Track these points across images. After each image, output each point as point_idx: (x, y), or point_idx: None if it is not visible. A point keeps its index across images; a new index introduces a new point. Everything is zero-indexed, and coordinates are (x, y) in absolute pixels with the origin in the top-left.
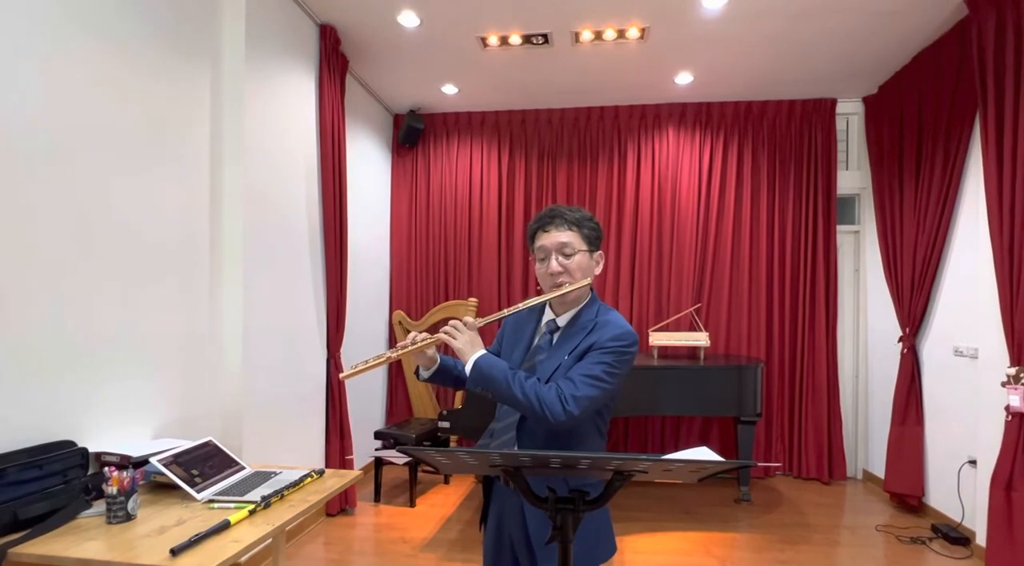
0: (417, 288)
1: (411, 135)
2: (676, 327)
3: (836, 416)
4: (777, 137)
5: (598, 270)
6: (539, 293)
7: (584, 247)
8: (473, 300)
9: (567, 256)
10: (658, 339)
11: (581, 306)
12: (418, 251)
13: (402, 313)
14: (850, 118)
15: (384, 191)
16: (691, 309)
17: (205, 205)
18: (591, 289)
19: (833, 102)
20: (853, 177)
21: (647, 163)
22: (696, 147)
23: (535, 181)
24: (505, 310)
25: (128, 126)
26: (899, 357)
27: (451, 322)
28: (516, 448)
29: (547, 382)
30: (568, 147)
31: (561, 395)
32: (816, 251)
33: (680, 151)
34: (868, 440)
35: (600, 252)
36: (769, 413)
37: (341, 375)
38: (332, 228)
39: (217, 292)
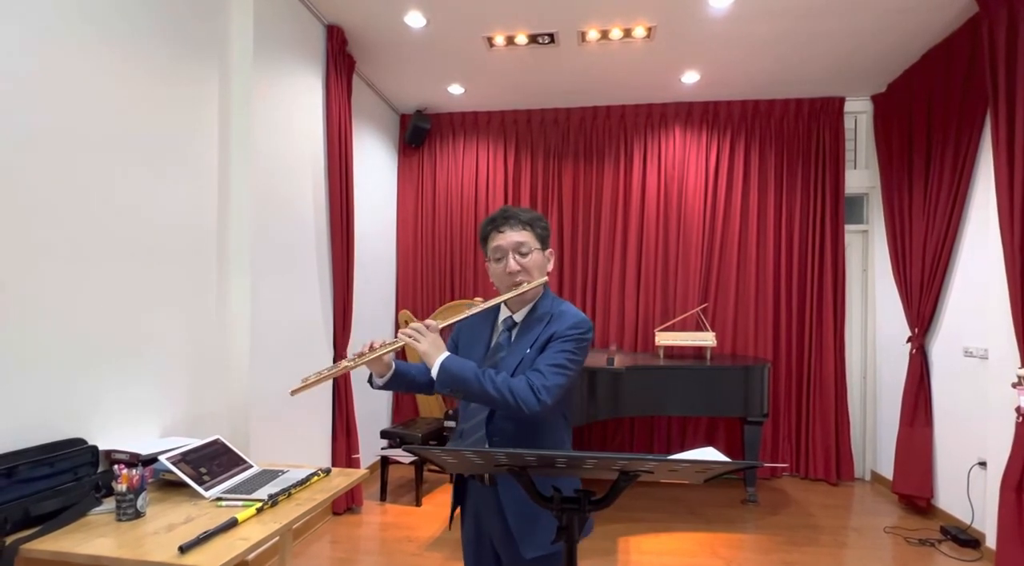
0: (423, 287)
1: (417, 135)
2: (682, 327)
3: (844, 417)
4: (785, 136)
5: (550, 267)
6: (496, 293)
7: (538, 246)
8: (479, 300)
9: (523, 255)
10: (664, 339)
11: (536, 300)
12: (424, 250)
13: (408, 312)
14: (858, 117)
15: (390, 191)
16: (697, 309)
17: (213, 204)
18: (544, 284)
19: (841, 101)
20: (861, 176)
21: (653, 163)
22: (703, 146)
23: (541, 181)
24: (466, 311)
25: (137, 127)
26: (908, 358)
27: (411, 325)
28: (487, 444)
29: (512, 376)
30: (574, 147)
31: (533, 386)
32: (824, 251)
33: (687, 150)
34: (876, 441)
35: (551, 250)
36: (776, 413)
37: (291, 390)
38: (339, 227)
39: (225, 291)
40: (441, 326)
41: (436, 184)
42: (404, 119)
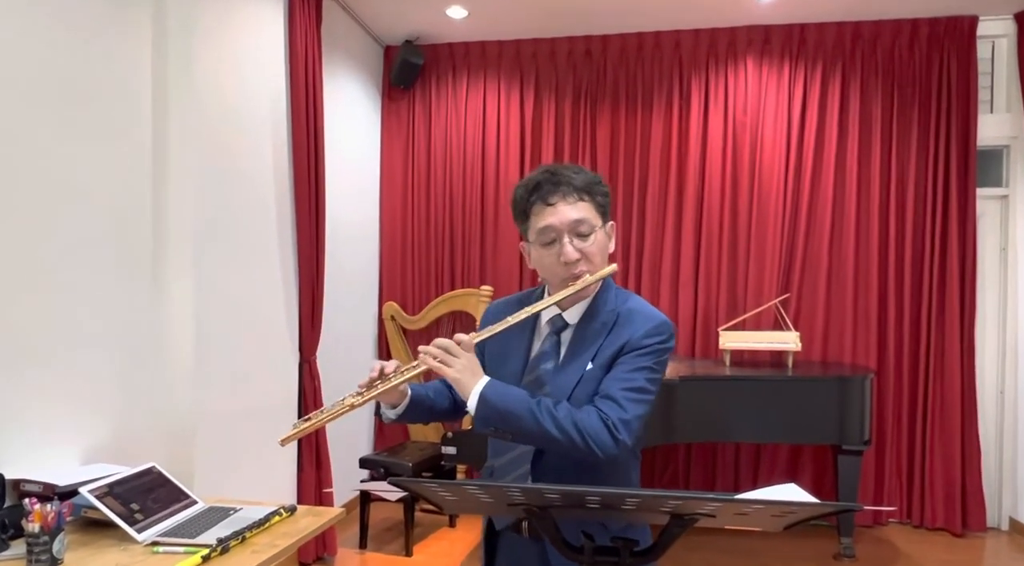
0: (414, 273)
1: (407, 73)
2: (756, 326)
3: (973, 446)
4: (895, 70)
5: (611, 247)
6: (539, 284)
7: (599, 222)
8: (487, 288)
9: (584, 236)
10: (732, 341)
11: (595, 293)
12: (416, 224)
13: (395, 306)
14: (996, 42)
15: (373, 147)
16: (776, 301)
17: (146, 171)
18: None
19: (973, 21)
20: (1000, 123)
21: (718, 107)
22: (784, 85)
23: (568, 131)
24: (509, 318)
25: (47, 74)
26: None
27: (437, 342)
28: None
29: (567, 400)
30: (612, 86)
31: (608, 421)
32: (948, 223)
33: (763, 90)
34: (1016, 480)
35: (612, 223)
36: (881, 440)
37: (280, 439)
38: (305, 196)
39: (162, 281)
40: (477, 341)
41: (431, 137)
42: (390, 52)
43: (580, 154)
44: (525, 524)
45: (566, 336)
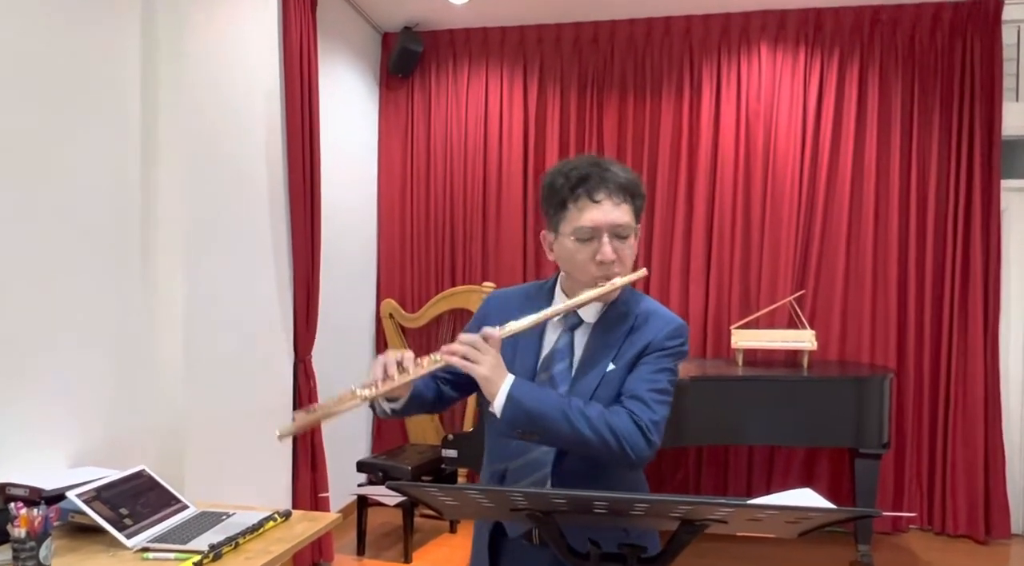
0: (413, 269)
1: (406, 61)
2: (769, 323)
3: (997, 449)
4: (916, 56)
5: (636, 250)
6: (549, 273)
7: (635, 225)
8: (489, 285)
9: (622, 239)
10: (744, 340)
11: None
12: (415, 219)
13: (394, 303)
14: (1022, 27)
15: (370, 137)
16: (791, 298)
17: (135, 163)
18: None
19: (998, 4)
20: None
21: (730, 95)
22: (799, 72)
23: (574, 121)
24: (543, 313)
25: (34, 64)
26: None
27: (463, 338)
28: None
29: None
30: (620, 74)
31: (640, 423)
32: (971, 217)
33: (777, 78)
34: None
35: (639, 225)
36: (901, 443)
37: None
38: (300, 190)
39: (152, 278)
40: (505, 335)
41: (431, 127)
42: (388, 40)
43: (586, 145)
44: (535, 532)
45: (580, 334)
